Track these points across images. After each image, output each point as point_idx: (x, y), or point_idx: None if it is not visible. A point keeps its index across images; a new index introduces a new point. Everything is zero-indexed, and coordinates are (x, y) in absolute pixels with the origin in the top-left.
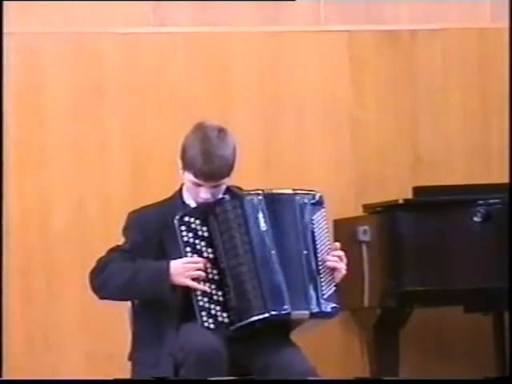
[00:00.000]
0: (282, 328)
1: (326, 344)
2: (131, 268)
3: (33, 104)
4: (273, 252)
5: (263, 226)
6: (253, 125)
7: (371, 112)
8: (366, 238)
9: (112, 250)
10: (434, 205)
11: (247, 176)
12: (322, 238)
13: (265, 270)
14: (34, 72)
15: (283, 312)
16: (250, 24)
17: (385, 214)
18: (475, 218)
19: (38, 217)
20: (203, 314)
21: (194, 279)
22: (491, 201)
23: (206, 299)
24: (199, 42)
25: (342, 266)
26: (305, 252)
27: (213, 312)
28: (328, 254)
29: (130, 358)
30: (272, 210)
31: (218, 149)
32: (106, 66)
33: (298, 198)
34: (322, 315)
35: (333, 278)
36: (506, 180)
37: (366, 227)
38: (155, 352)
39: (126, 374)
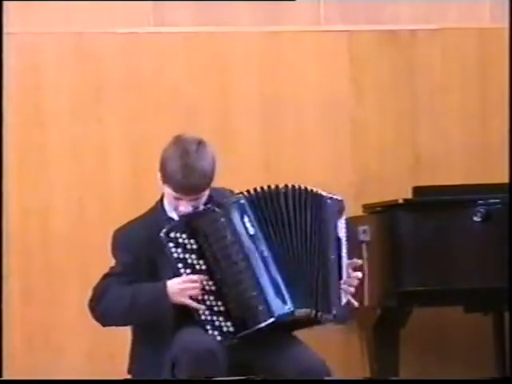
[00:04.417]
0: (290, 326)
1: (326, 344)
2: (129, 294)
3: (33, 104)
4: (265, 254)
5: (251, 229)
6: (253, 125)
7: (371, 112)
8: (366, 237)
9: (105, 277)
10: (434, 205)
11: (247, 176)
12: (345, 246)
13: (261, 274)
14: (34, 72)
15: (287, 312)
16: (250, 24)
17: (385, 214)
18: (475, 218)
19: (38, 217)
20: (208, 327)
21: (192, 298)
22: (491, 201)
23: (207, 312)
24: (199, 42)
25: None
26: (332, 256)
27: (217, 324)
28: (349, 266)
29: (129, 372)
30: (261, 210)
31: (197, 163)
32: (106, 66)
33: (328, 201)
34: (339, 320)
35: (351, 288)
36: (505, 180)
37: (365, 227)
38: (154, 368)
39: (126, 374)
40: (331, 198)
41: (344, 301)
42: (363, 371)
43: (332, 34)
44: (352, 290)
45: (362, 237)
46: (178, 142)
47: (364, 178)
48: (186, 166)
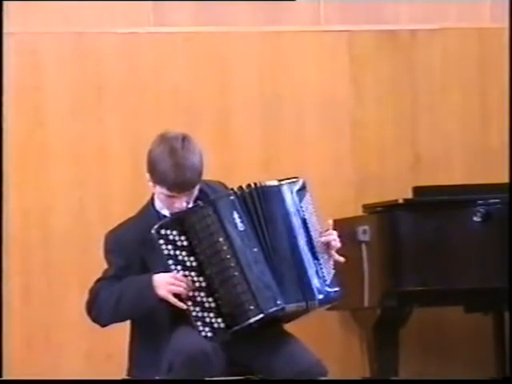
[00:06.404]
0: (282, 321)
1: (326, 344)
2: (117, 291)
3: (33, 104)
4: (255, 250)
5: (240, 225)
6: (253, 125)
7: (371, 112)
8: (366, 238)
9: (99, 280)
10: (434, 205)
11: (247, 176)
12: (314, 223)
13: (251, 270)
14: (34, 72)
15: (277, 308)
16: (250, 24)
17: (385, 214)
18: (475, 218)
19: (38, 217)
20: (198, 323)
21: (175, 295)
22: (491, 201)
23: (198, 308)
24: (199, 42)
25: (336, 244)
26: (301, 242)
27: (207, 320)
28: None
29: (128, 374)
30: (249, 207)
31: (186, 159)
32: (106, 66)
33: (284, 187)
34: (328, 301)
35: (330, 261)
36: (505, 180)
37: (365, 227)
38: (152, 370)
39: (125, 374)
40: (288, 183)
41: (329, 278)
42: (363, 371)
43: (332, 34)
44: (331, 252)
45: (362, 237)
46: (164, 140)
47: (364, 177)
48: (176, 164)
